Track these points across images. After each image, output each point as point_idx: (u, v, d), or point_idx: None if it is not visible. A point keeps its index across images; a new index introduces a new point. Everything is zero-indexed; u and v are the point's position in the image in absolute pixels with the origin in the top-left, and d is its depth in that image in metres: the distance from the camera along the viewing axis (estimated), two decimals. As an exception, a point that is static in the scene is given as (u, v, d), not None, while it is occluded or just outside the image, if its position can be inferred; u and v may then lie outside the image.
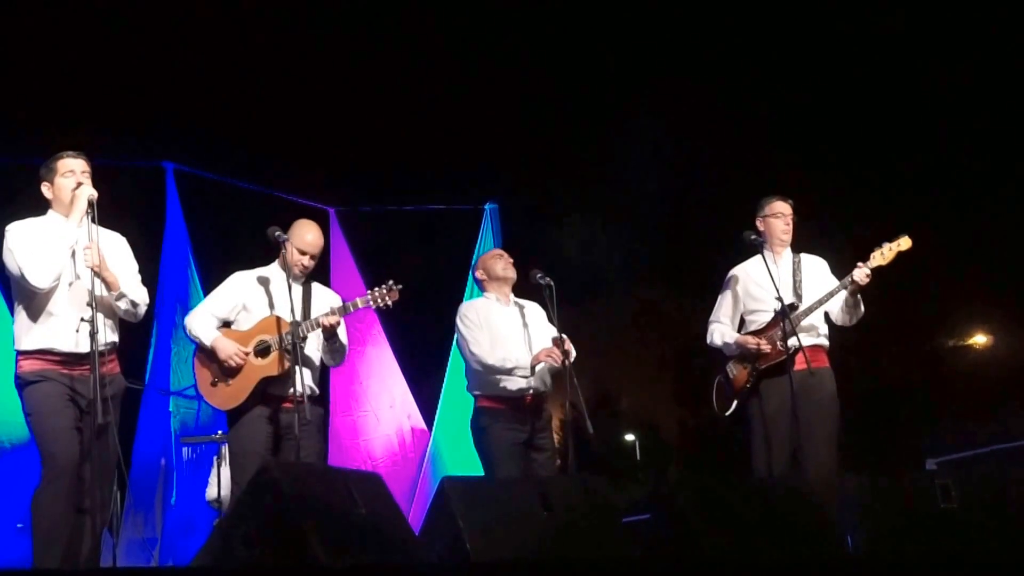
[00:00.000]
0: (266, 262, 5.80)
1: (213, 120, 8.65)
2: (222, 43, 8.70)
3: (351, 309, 5.65)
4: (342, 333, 5.73)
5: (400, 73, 8.78)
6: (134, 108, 8.32)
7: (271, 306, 5.65)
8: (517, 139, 9.07)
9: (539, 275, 6.20)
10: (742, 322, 6.43)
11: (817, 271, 6.36)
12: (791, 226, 6.35)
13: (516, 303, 6.41)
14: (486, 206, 9.83)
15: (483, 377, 6.20)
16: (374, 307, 5.74)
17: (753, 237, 6.26)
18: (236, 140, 8.86)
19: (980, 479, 5.10)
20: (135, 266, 5.34)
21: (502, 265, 6.42)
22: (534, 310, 6.43)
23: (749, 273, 6.43)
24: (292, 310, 5.47)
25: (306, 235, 5.70)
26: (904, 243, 6.20)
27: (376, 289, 5.73)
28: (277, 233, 5.61)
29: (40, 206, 5.21)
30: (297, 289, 5.69)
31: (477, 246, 9.69)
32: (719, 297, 6.51)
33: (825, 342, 6.14)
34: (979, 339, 13.68)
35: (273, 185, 8.73)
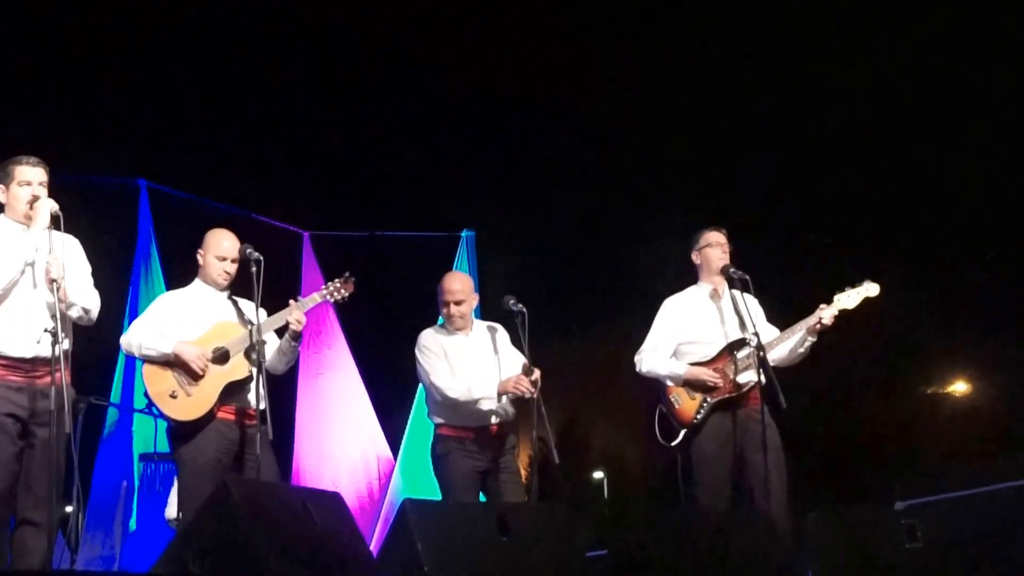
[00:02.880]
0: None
1: (189, 139, 8.62)
2: (202, 64, 8.70)
3: (309, 304, 5.62)
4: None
5: (380, 98, 8.78)
6: (111, 124, 8.28)
7: (210, 319, 5.56)
8: (496, 167, 9.06)
9: (512, 301, 6.14)
10: (676, 352, 6.31)
11: (755, 308, 6.33)
12: (728, 255, 6.29)
13: (479, 328, 6.33)
14: (462, 233, 9.81)
15: (445, 406, 6.10)
16: (331, 300, 5.76)
17: (732, 270, 6.21)
18: (212, 160, 8.83)
19: (948, 522, 5.08)
20: (88, 268, 5.27)
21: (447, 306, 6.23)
22: (499, 334, 6.35)
23: (689, 304, 6.35)
24: (241, 317, 5.48)
25: (223, 241, 5.64)
26: (872, 289, 6.19)
27: (331, 283, 5.77)
28: (249, 251, 5.58)
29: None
30: (226, 302, 5.67)
31: (452, 274, 9.65)
32: (654, 326, 6.38)
33: (764, 380, 5.94)
34: (959, 387, 13.63)
35: (247, 206, 8.69)
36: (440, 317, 6.49)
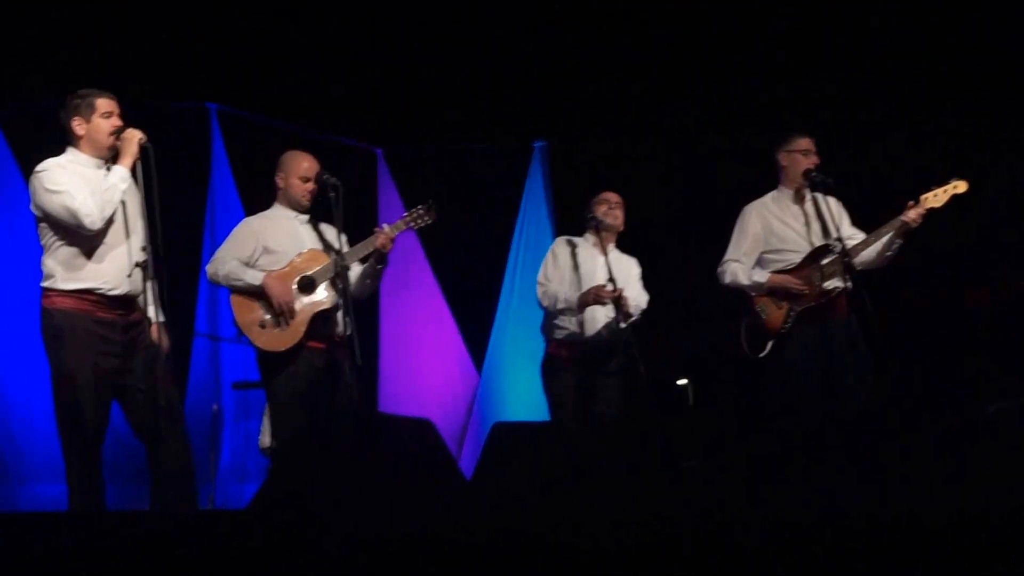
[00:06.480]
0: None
1: (257, 59, 8.48)
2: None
3: (394, 233, 5.63)
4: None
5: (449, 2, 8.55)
6: (176, 47, 8.17)
7: (293, 244, 5.59)
8: (570, 75, 8.81)
9: (590, 215, 6.27)
10: (759, 261, 6.25)
11: (838, 211, 6.20)
12: (815, 165, 6.16)
13: (614, 253, 6.34)
14: (535, 144, 9.64)
15: (547, 318, 6.36)
16: (415, 227, 5.77)
17: (814, 173, 6.09)
18: (282, 80, 8.70)
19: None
20: None
21: (602, 211, 6.48)
22: (633, 266, 6.45)
23: (770, 210, 6.25)
24: (323, 241, 5.50)
25: (302, 163, 5.69)
26: (960, 186, 6.00)
27: (414, 210, 5.75)
28: (326, 177, 5.60)
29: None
30: (307, 226, 5.66)
31: (526, 186, 9.55)
32: (734, 235, 6.31)
33: (850, 286, 5.90)
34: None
35: (317, 126, 8.57)
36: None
